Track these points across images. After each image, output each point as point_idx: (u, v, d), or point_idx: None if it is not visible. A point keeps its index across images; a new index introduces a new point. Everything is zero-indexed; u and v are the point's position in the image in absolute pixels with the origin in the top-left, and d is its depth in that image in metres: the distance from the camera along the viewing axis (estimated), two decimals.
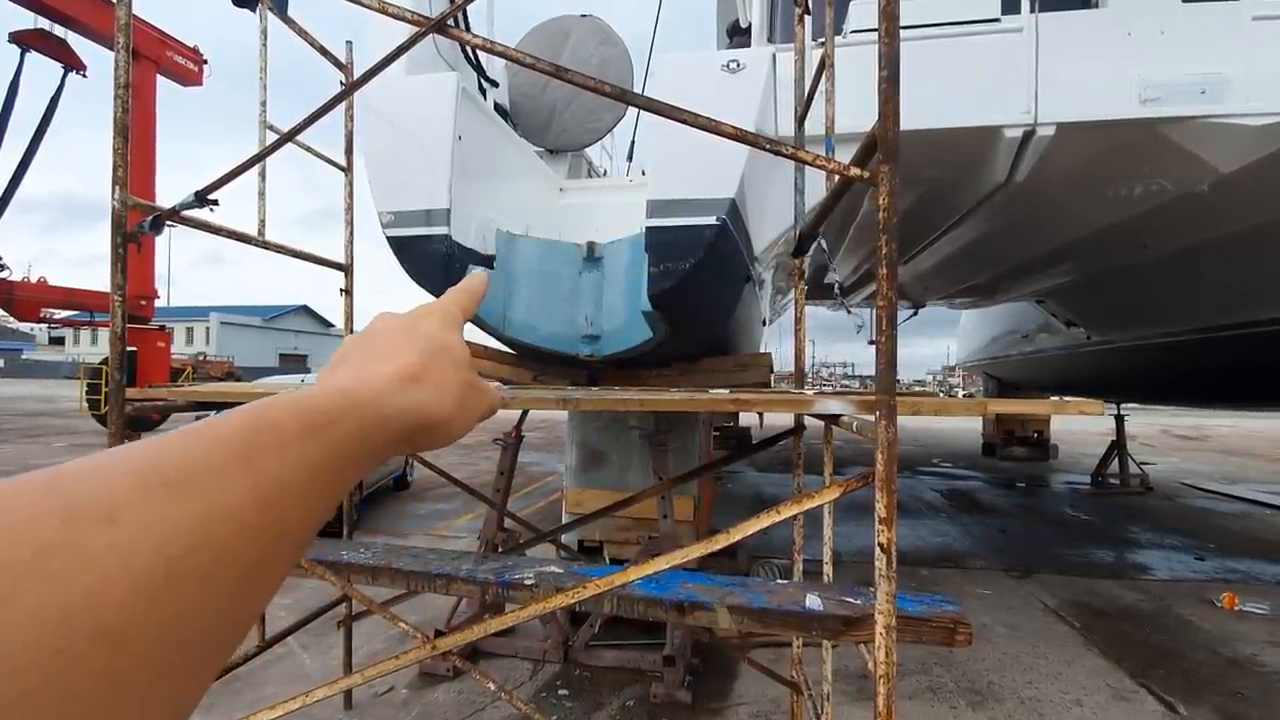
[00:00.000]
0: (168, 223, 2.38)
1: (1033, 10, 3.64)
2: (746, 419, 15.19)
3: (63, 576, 0.20)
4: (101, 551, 0.21)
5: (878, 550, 1.46)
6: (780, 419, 2.61)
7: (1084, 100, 3.60)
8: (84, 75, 14.27)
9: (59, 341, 58.31)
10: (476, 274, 0.51)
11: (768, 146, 1.62)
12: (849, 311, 3.04)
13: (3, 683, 0.18)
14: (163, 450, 0.26)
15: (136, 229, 2.29)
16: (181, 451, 0.26)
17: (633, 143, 7.53)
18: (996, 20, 3.68)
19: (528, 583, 2.03)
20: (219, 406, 5.64)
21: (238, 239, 2.81)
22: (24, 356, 60.22)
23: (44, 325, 19.49)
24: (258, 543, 0.26)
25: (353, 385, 0.36)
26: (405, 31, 1.97)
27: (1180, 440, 19.83)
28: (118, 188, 2.23)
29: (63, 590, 0.20)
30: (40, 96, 14.08)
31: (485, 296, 0.50)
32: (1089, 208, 4.97)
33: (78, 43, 13.82)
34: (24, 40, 13.43)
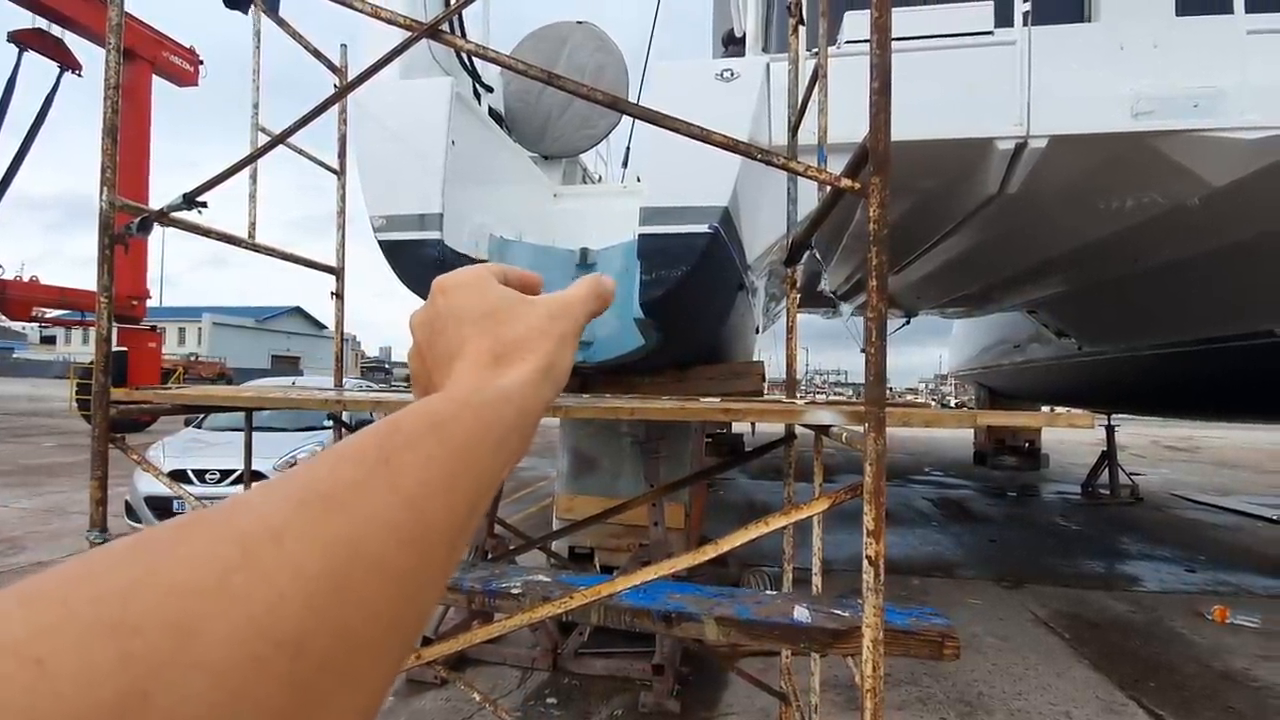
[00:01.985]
0: (161, 224, 2.36)
1: (1026, 23, 3.66)
2: (739, 425, 15.17)
3: (246, 593, 0.22)
4: (274, 569, 0.23)
5: (865, 563, 1.45)
6: (774, 426, 2.61)
7: (1076, 113, 3.62)
8: (79, 75, 14.24)
9: (50, 341, 57.90)
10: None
11: (759, 157, 1.62)
12: (843, 318, 3.04)
13: (213, 686, 0.20)
14: (314, 470, 0.28)
15: (124, 230, 2.27)
16: (330, 469, 0.28)
17: (628, 148, 7.54)
18: (990, 33, 3.70)
19: (514, 592, 2.02)
20: (206, 410, 5.60)
21: (228, 241, 2.78)
22: (15, 355, 59.78)
23: (36, 324, 19.36)
24: (410, 546, 0.28)
25: (451, 388, 0.38)
26: (399, 35, 1.97)
27: (1171, 451, 19.91)
28: (105, 189, 2.21)
29: (248, 605, 0.22)
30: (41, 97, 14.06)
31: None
32: (1080, 220, 4.99)
33: (75, 43, 13.80)
34: (22, 39, 13.42)
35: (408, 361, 0.45)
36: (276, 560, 0.23)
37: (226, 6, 2.45)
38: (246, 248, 2.87)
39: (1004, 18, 3.74)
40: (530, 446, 0.40)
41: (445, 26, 1.96)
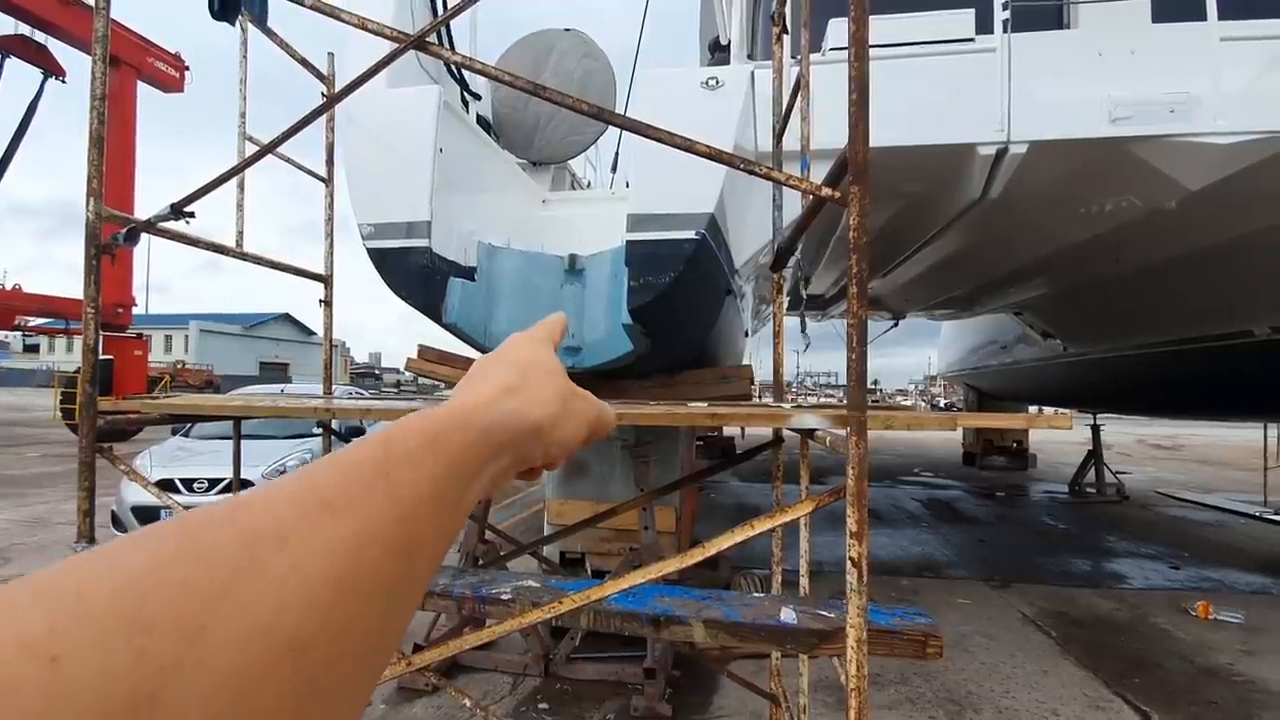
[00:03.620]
0: (148, 233, 2.36)
1: (1006, 30, 3.73)
2: (730, 429, 15.23)
3: (254, 596, 0.22)
4: (282, 572, 0.23)
5: (849, 565, 1.48)
6: (763, 429, 2.65)
7: (1056, 119, 3.68)
8: (63, 81, 14.12)
9: (34, 349, 57.15)
10: (556, 314, 0.54)
11: (742, 166, 1.65)
12: (804, 331, 3.07)
13: (219, 688, 0.20)
14: (314, 476, 0.29)
15: (111, 241, 2.27)
16: (330, 476, 0.29)
17: (617, 154, 7.58)
18: (971, 40, 3.75)
19: (504, 598, 2.03)
20: (193, 419, 5.58)
21: (215, 250, 2.79)
22: None
23: (18, 333, 19.13)
24: (401, 557, 0.29)
25: (458, 403, 0.39)
26: (387, 44, 1.98)
27: (1155, 450, 20.15)
28: (92, 199, 2.21)
29: (256, 608, 0.22)
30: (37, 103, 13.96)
31: (566, 330, 0.54)
32: (1062, 223, 5.06)
33: (59, 48, 13.68)
34: (4, 46, 13.28)
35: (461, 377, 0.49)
36: (283, 563, 0.24)
37: (213, 18, 2.45)
38: (235, 256, 2.87)
39: (984, 25, 3.80)
40: (510, 478, 0.42)
41: (432, 37, 1.98)
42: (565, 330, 0.54)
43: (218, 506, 0.25)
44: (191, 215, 2.26)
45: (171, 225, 2.35)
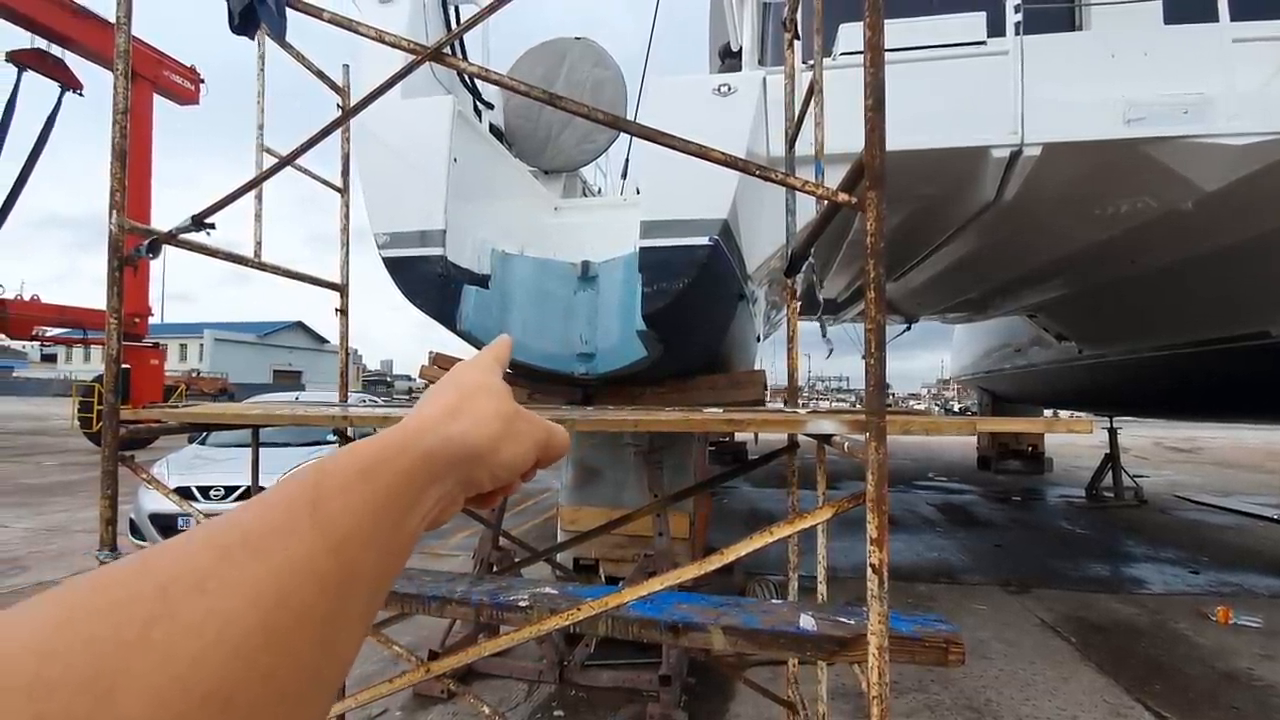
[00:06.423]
0: (168, 244, 2.40)
1: (1018, 33, 3.72)
2: (742, 434, 15.19)
3: (169, 647, 0.21)
4: (200, 619, 0.22)
5: (870, 571, 1.47)
6: (777, 434, 2.63)
7: (1069, 121, 3.67)
8: (80, 94, 14.36)
9: (51, 359, 57.97)
10: (502, 337, 0.56)
11: (756, 172, 1.65)
12: (824, 336, 3.05)
13: None
14: (238, 517, 0.27)
15: (134, 252, 2.30)
16: (254, 515, 0.28)
17: (627, 160, 7.60)
18: (983, 43, 3.75)
19: (522, 604, 2.03)
20: (213, 428, 5.62)
21: (234, 261, 2.82)
22: (15, 374, 59.82)
23: (36, 343, 19.40)
24: (334, 592, 0.28)
25: (399, 429, 0.38)
26: (401, 56, 2.01)
27: (1173, 452, 19.90)
28: (115, 212, 2.25)
29: (172, 660, 0.21)
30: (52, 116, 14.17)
31: (510, 351, 0.55)
32: (1076, 225, 5.03)
33: (74, 61, 13.91)
34: (21, 60, 13.52)
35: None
36: (201, 609, 0.23)
37: (233, 31, 2.49)
38: (253, 267, 2.91)
39: (996, 28, 3.80)
40: (459, 503, 0.42)
41: (446, 49, 2.00)
42: (511, 352, 0.54)
43: (132, 557, 0.24)
44: (212, 226, 2.29)
45: (192, 236, 2.38)
